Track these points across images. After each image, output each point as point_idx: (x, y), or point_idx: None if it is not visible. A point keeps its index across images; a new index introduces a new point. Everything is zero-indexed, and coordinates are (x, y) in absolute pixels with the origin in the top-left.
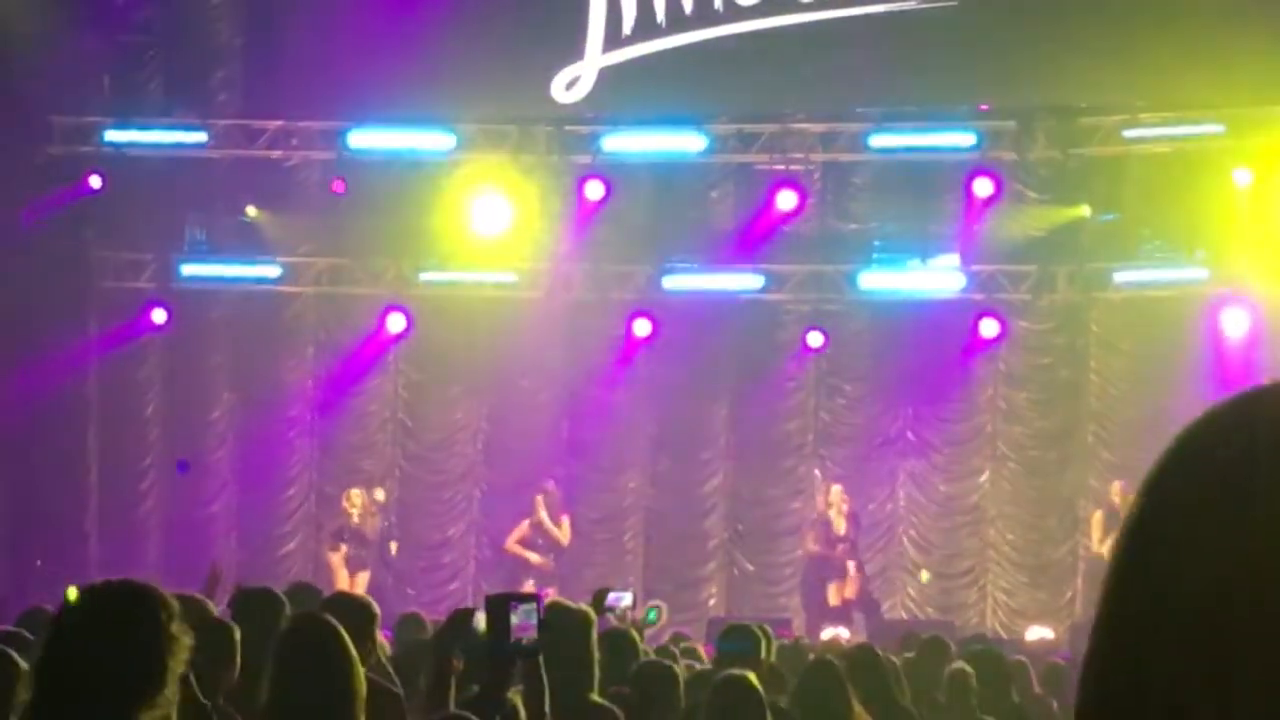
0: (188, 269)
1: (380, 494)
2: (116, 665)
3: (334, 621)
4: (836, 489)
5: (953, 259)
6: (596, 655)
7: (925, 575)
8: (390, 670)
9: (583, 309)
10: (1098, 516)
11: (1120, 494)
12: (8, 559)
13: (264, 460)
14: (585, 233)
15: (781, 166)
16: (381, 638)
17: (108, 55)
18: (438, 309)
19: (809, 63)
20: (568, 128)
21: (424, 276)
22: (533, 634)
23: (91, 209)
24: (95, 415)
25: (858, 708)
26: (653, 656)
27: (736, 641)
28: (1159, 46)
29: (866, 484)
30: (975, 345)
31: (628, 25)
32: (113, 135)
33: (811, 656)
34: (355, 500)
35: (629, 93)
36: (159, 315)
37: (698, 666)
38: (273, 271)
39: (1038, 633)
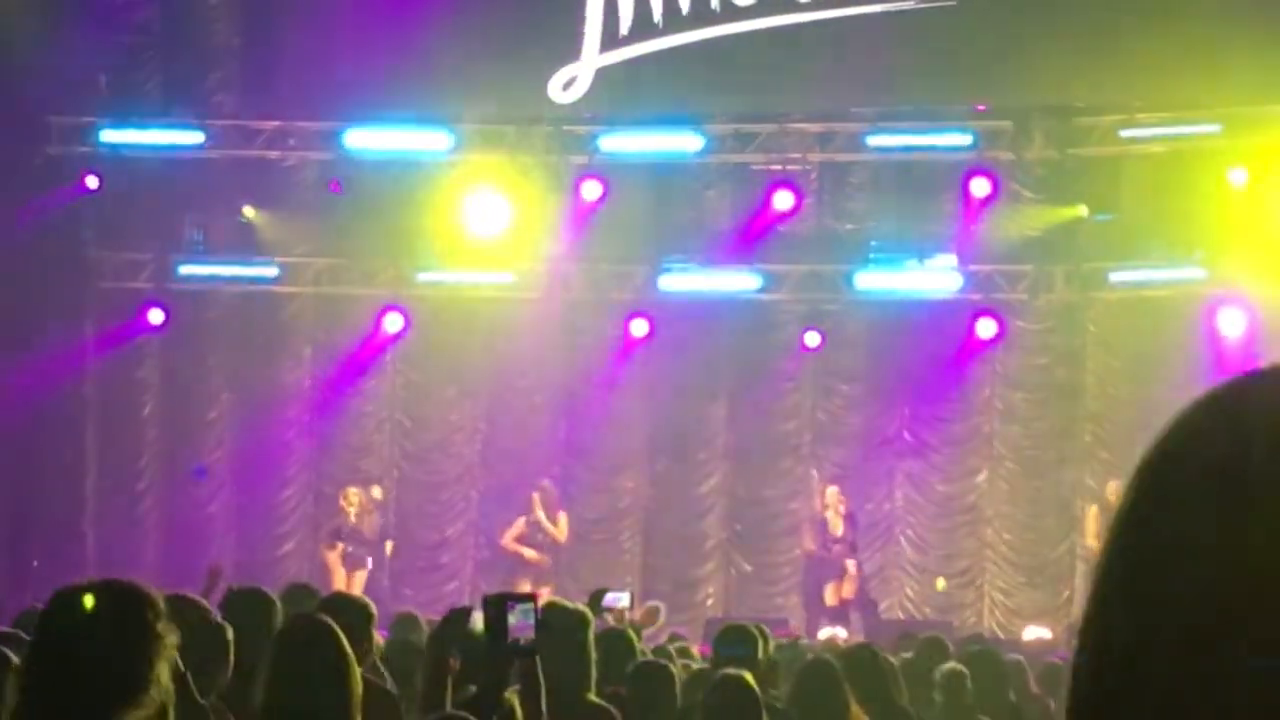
0: (185, 269)
1: (378, 492)
2: (102, 664)
3: (330, 623)
4: (833, 490)
5: (950, 259)
6: (593, 655)
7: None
8: (382, 670)
9: (580, 309)
10: (1094, 516)
11: (1117, 493)
12: (5, 559)
13: (262, 460)
14: (582, 233)
15: (778, 166)
16: (378, 637)
17: (105, 55)
18: (435, 309)
19: (806, 62)
20: (565, 128)
21: (421, 277)
22: (530, 634)
23: (89, 209)
24: (93, 415)
25: (855, 707)
26: (650, 656)
27: (734, 643)
28: (1155, 46)
29: (864, 484)
30: (972, 345)
31: (624, 25)
32: (110, 135)
33: (809, 656)
34: (352, 499)
35: (626, 93)
36: (156, 315)
37: (693, 666)
38: (270, 272)
39: (1035, 632)
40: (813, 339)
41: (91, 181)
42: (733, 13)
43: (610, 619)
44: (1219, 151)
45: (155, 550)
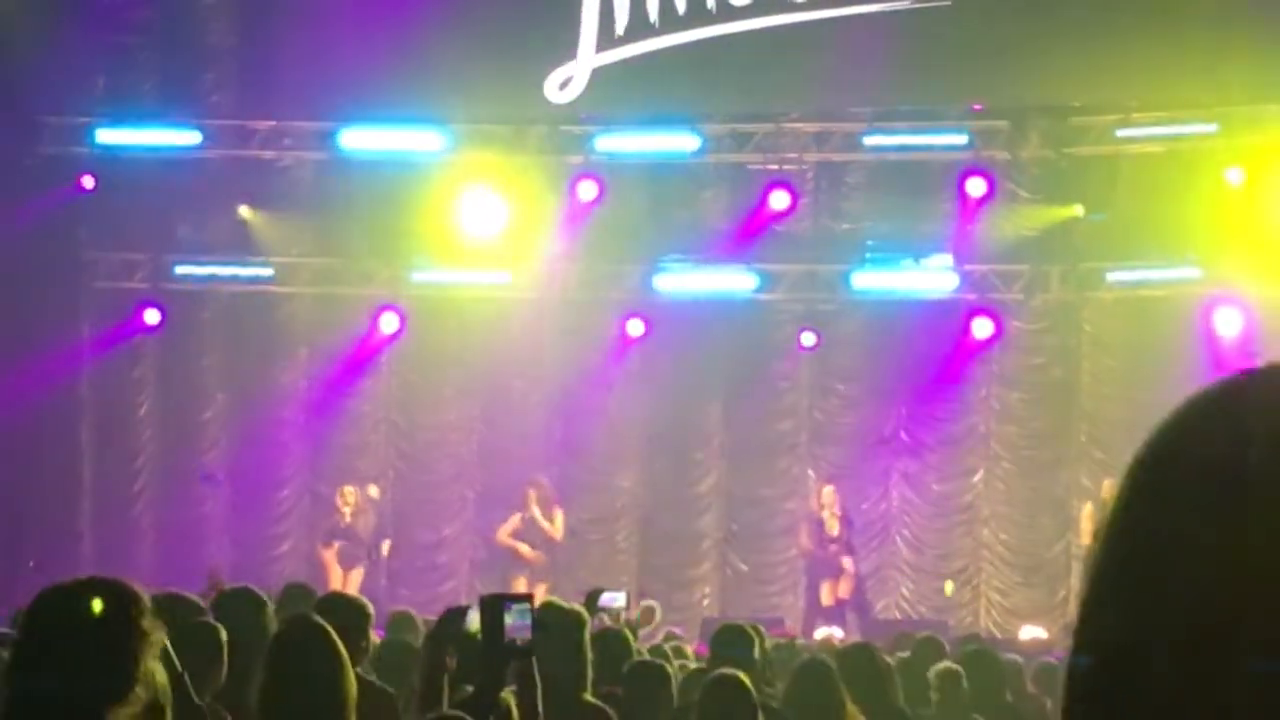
0: (181, 269)
1: (374, 491)
2: (88, 662)
3: (324, 624)
4: (828, 490)
5: (946, 259)
6: (589, 655)
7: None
8: (371, 670)
9: (576, 309)
10: (1090, 515)
11: (1111, 493)
12: (1, 560)
13: (258, 460)
14: (578, 233)
15: (775, 166)
16: (375, 636)
17: (100, 55)
18: (431, 309)
19: (802, 62)
20: (561, 127)
21: (417, 277)
22: (526, 634)
23: (85, 209)
24: (88, 415)
25: (850, 707)
26: (646, 656)
27: (730, 643)
28: (1151, 46)
29: (860, 484)
30: (968, 345)
31: (621, 25)
32: (106, 135)
33: (805, 656)
34: (349, 497)
35: (622, 92)
36: (152, 315)
37: (689, 666)
38: (266, 272)
39: (1031, 632)
40: (808, 339)
41: (87, 182)
42: (729, 13)
43: (606, 619)
44: (1215, 151)
45: (151, 550)
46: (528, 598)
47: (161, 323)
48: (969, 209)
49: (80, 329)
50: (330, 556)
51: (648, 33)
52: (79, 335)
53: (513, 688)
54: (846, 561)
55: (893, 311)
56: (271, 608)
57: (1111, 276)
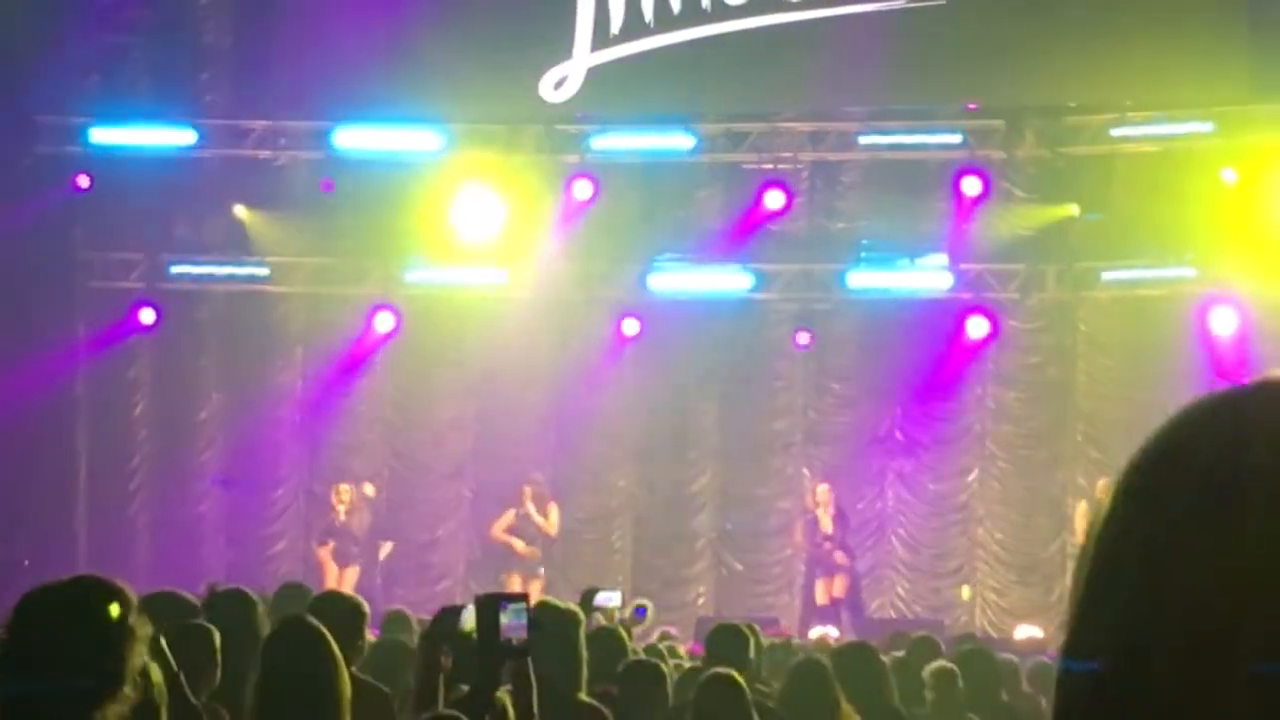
0: (176, 269)
1: (370, 489)
2: (75, 660)
3: (319, 625)
4: (823, 488)
5: (941, 258)
6: (585, 655)
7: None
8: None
9: (571, 308)
10: (1085, 514)
11: (1106, 492)
12: None
13: (253, 460)
14: (574, 232)
15: (770, 166)
16: (370, 635)
17: (95, 55)
18: (426, 308)
19: (797, 62)
20: (556, 127)
21: (412, 276)
22: (522, 634)
23: (80, 209)
24: (84, 415)
25: (846, 707)
26: (641, 655)
27: (725, 642)
28: (1146, 45)
29: (855, 483)
30: (964, 344)
31: (615, 25)
32: (100, 135)
33: (801, 655)
34: (344, 496)
35: (617, 92)
36: (147, 315)
37: (684, 665)
38: (261, 271)
39: (1026, 631)
40: (803, 338)
41: (82, 181)
42: (724, 12)
43: (600, 618)
44: (1210, 151)
45: (146, 550)
46: (523, 597)
47: (157, 322)
48: (964, 208)
49: (75, 328)
50: (326, 555)
51: (643, 32)
52: (74, 335)
53: (508, 687)
54: (839, 555)
55: (888, 311)
56: (263, 608)
57: (1107, 276)
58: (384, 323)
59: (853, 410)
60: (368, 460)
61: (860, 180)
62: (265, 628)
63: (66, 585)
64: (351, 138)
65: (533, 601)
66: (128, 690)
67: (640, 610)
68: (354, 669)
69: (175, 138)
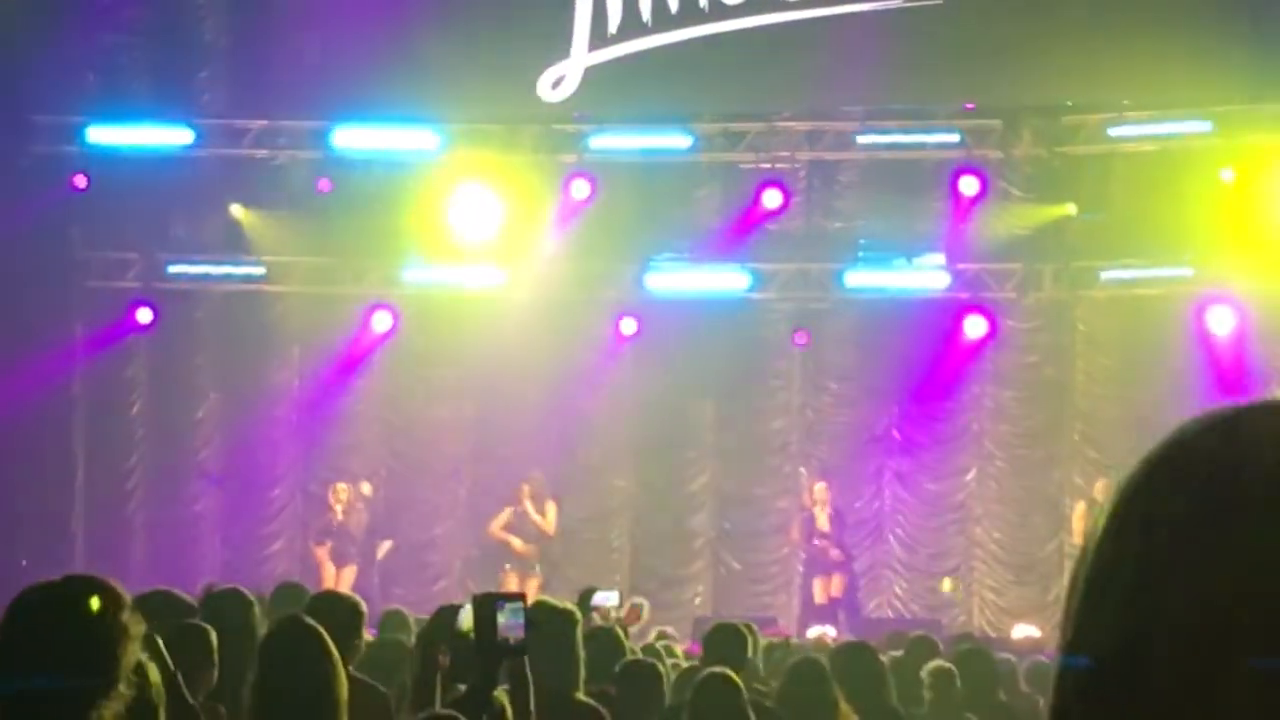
0: (173, 268)
1: (367, 488)
2: (69, 659)
3: (316, 625)
4: (820, 486)
5: (938, 257)
6: (582, 654)
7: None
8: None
9: (569, 308)
10: (1082, 514)
11: (1104, 492)
12: None
13: (250, 460)
14: (571, 231)
15: (767, 165)
16: (368, 635)
17: (92, 54)
18: (424, 308)
19: (794, 61)
20: (554, 126)
21: (410, 276)
22: (519, 633)
23: (77, 208)
24: (81, 414)
25: (844, 706)
26: (638, 655)
27: (723, 642)
28: (1144, 45)
29: (853, 482)
30: (961, 344)
31: (613, 24)
32: (97, 134)
33: (799, 655)
34: (341, 495)
35: (615, 91)
36: (144, 314)
37: (682, 665)
38: (258, 270)
39: (1024, 630)
40: (800, 338)
41: (79, 181)
42: (721, 12)
43: (596, 618)
44: (1208, 150)
45: (144, 549)
46: (520, 597)
47: (154, 322)
48: (962, 208)
49: (72, 328)
50: (323, 555)
51: (640, 31)
52: (71, 334)
53: (505, 687)
54: (834, 552)
55: (885, 310)
56: (260, 608)
57: (1105, 275)
58: (381, 322)
59: (850, 410)
60: (365, 460)
61: (858, 180)
62: (262, 627)
63: (58, 585)
64: (349, 137)
65: (530, 600)
66: (122, 689)
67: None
68: (351, 668)
69: (172, 137)
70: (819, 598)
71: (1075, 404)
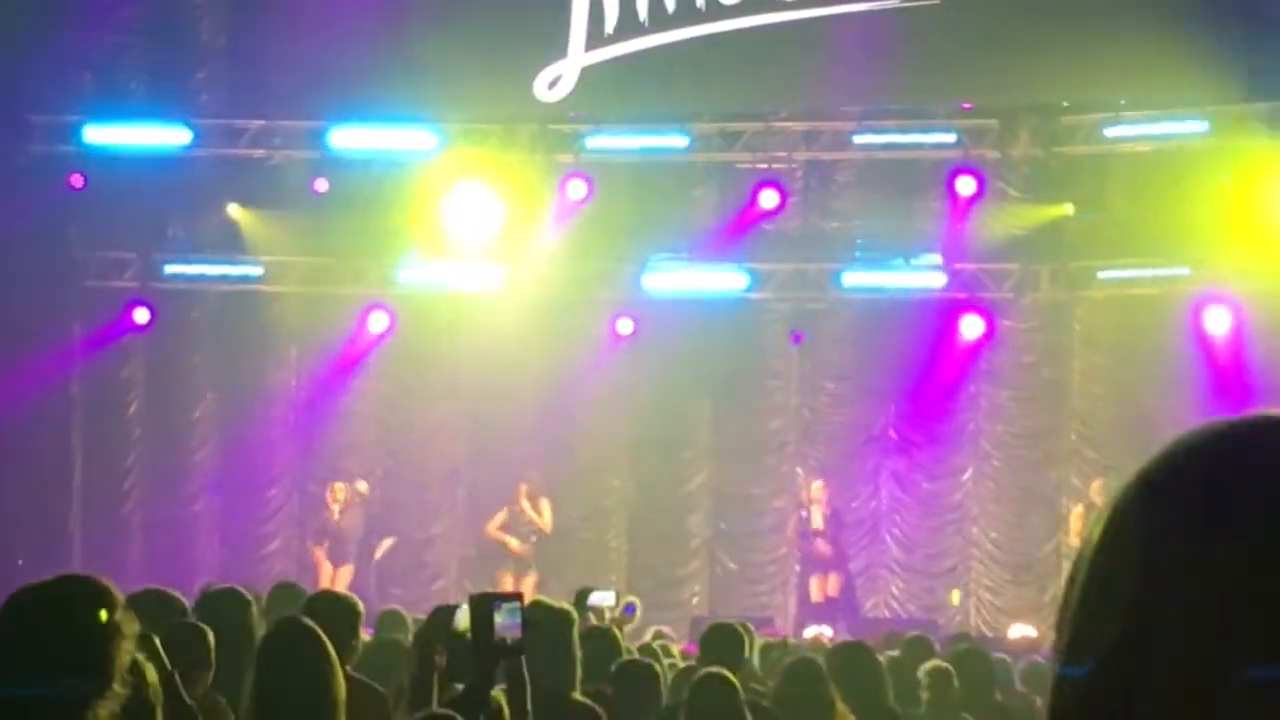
0: (170, 268)
1: (363, 485)
2: (63, 660)
3: (314, 626)
4: (817, 484)
5: (935, 257)
6: (578, 654)
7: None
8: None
9: (565, 307)
10: (1079, 515)
11: (1101, 492)
12: None
13: (247, 459)
14: (568, 231)
15: (764, 165)
16: (365, 635)
17: (89, 54)
18: (420, 308)
19: (791, 61)
20: (550, 126)
21: (406, 276)
22: (516, 633)
23: (74, 208)
24: (78, 414)
25: (841, 706)
26: (635, 655)
27: (720, 642)
28: (1141, 45)
29: (850, 482)
30: (958, 344)
31: (610, 24)
32: (94, 134)
33: (795, 654)
34: (339, 494)
35: (612, 91)
36: (142, 314)
37: (679, 665)
38: (255, 270)
39: (1020, 630)
40: (794, 338)
41: (76, 180)
42: (718, 11)
43: (592, 617)
44: (1205, 150)
45: (141, 549)
46: (517, 596)
47: (151, 321)
48: (959, 208)
49: (70, 328)
50: (321, 554)
51: (637, 31)
52: (69, 334)
53: (502, 686)
54: (821, 544)
55: (882, 310)
56: (257, 607)
57: (1102, 275)
58: (378, 322)
59: (847, 409)
60: (362, 459)
61: (855, 180)
62: (259, 627)
63: (51, 585)
64: (346, 137)
65: (527, 600)
66: (117, 689)
67: (629, 607)
68: (349, 668)
69: (170, 137)
70: (815, 596)
71: (1072, 404)
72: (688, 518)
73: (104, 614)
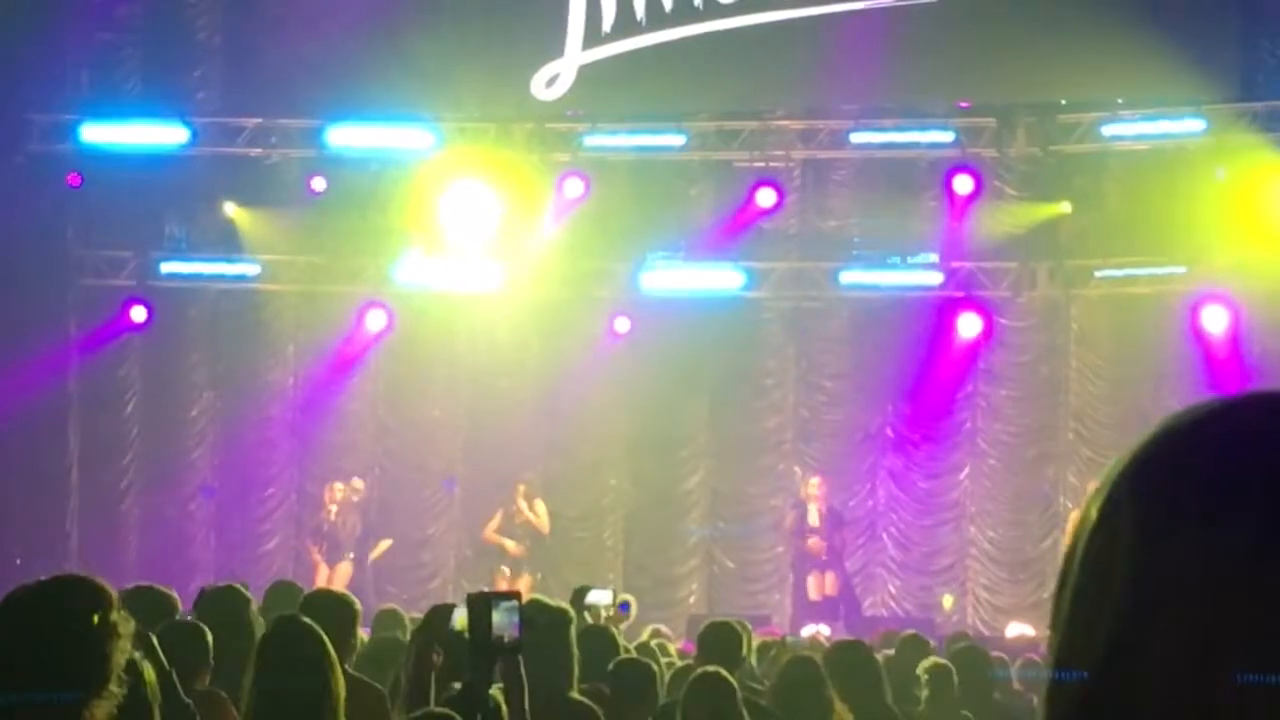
0: (167, 267)
1: (359, 483)
2: (58, 660)
3: (313, 625)
4: (814, 481)
5: (932, 256)
6: (576, 652)
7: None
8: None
9: (563, 306)
10: (1076, 515)
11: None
12: None
13: (244, 458)
14: (565, 230)
15: (761, 164)
16: (362, 634)
17: (86, 52)
18: (417, 307)
19: (788, 60)
20: (548, 125)
21: (404, 274)
22: (514, 632)
23: (71, 207)
24: (75, 413)
25: (839, 705)
26: (632, 653)
27: (717, 641)
28: (1138, 43)
29: (847, 480)
30: (955, 342)
31: (608, 23)
32: (91, 133)
33: (793, 653)
34: (336, 494)
35: (609, 90)
36: (139, 313)
37: (677, 663)
38: (253, 269)
39: (1018, 629)
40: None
41: (73, 179)
42: (716, 10)
43: (589, 616)
44: (1202, 148)
45: (138, 547)
46: (515, 595)
47: (148, 320)
48: (956, 206)
49: (67, 326)
50: (317, 554)
51: (634, 30)
52: (66, 333)
53: (500, 685)
54: (814, 540)
55: (879, 309)
56: (255, 605)
57: (1099, 273)
58: (375, 321)
59: (844, 408)
60: (359, 458)
61: (852, 178)
62: (257, 624)
63: (45, 585)
64: (343, 136)
65: (524, 599)
66: (113, 688)
67: (624, 605)
68: (347, 667)
69: (167, 135)
70: (813, 594)
71: (1069, 402)
72: (685, 516)
73: (99, 614)
